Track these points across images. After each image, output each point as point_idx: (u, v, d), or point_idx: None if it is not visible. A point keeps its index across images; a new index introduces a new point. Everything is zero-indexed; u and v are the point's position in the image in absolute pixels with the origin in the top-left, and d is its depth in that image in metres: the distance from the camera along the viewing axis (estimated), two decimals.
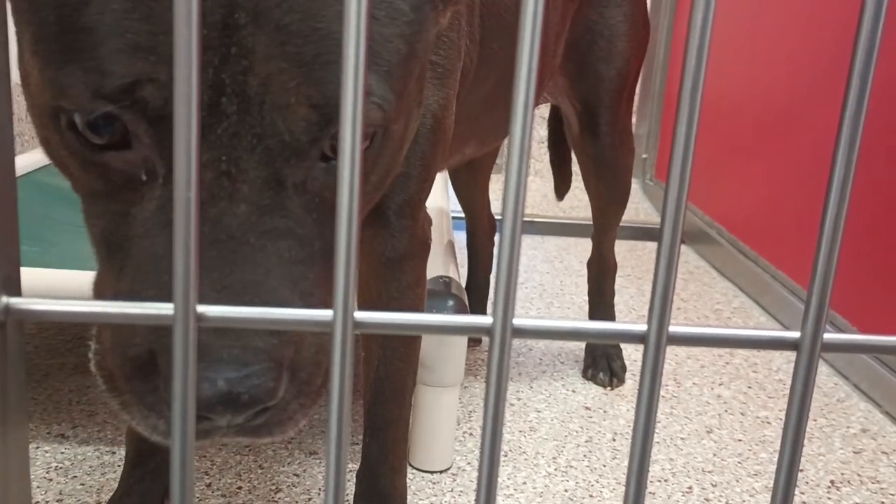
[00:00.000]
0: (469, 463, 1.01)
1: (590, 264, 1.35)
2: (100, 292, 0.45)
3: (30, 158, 1.27)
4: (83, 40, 0.39)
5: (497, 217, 1.48)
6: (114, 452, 0.97)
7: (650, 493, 0.99)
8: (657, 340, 0.27)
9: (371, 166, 0.47)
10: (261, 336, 0.39)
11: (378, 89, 0.43)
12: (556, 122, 1.33)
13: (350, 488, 0.82)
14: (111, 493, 0.83)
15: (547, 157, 1.40)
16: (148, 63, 0.38)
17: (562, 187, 1.39)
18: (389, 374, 0.77)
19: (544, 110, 1.38)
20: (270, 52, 0.39)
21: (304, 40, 0.39)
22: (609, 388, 1.26)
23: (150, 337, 0.40)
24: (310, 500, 0.91)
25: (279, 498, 0.91)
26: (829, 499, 1.00)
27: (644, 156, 2.50)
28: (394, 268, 0.73)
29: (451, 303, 0.94)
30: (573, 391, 1.24)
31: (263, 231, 0.41)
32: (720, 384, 1.30)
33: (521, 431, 1.10)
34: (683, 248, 2.04)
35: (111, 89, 0.38)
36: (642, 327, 0.27)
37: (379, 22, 0.44)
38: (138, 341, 0.40)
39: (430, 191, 0.74)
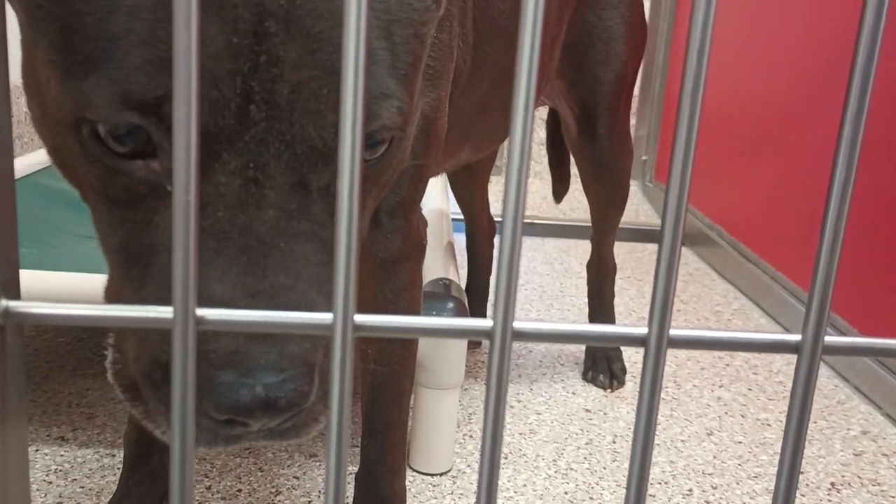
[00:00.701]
0: (469, 465, 1.01)
1: (589, 266, 1.35)
2: (118, 301, 0.45)
3: (29, 161, 1.27)
4: (109, 50, 0.38)
5: (496, 219, 1.48)
6: (113, 455, 0.97)
7: (650, 495, 0.98)
8: (658, 344, 0.27)
9: (386, 168, 0.47)
10: (293, 340, 0.40)
11: (398, 92, 0.43)
12: (553, 124, 1.33)
13: (350, 491, 0.82)
14: (110, 496, 0.83)
15: (546, 159, 1.40)
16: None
17: (560, 189, 1.39)
18: (387, 376, 0.77)
19: (543, 112, 1.38)
20: (301, 60, 0.39)
21: (333, 48, 0.39)
22: (609, 390, 1.26)
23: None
24: (309, 502, 0.91)
25: (279, 500, 0.90)
26: (829, 501, 1.00)
27: (644, 158, 2.50)
28: (388, 269, 0.73)
29: (451, 305, 0.94)
30: (573, 393, 1.24)
31: (291, 235, 0.41)
32: (720, 386, 1.30)
33: (521, 434, 1.10)
34: (684, 249, 2.03)
35: (138, 102, 0.38)
36: (643, 330, 0.27)
37: (400, 24, 0.44)
38: (168, 349, 0.40)
39: (423, 192, 0.74)
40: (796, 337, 0.27)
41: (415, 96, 0.47)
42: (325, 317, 0.26)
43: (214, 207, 0.40)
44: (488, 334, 0.26)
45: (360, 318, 0.26)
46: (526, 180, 0.25)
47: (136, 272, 0.43)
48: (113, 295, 0.46)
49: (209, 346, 0.39)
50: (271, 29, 0.38)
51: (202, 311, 0.26)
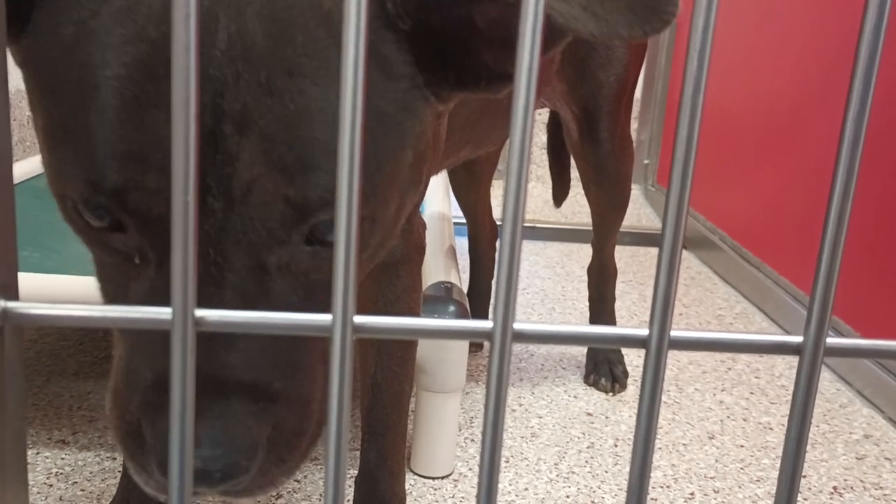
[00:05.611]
0: (470, 469, 1.01)
1: (590, 270, 1.35)
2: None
3: (29, 165, 1.27)
4: (82, 139, 0.41)
5: (499, 223, 1.48)
6: (114, 458, 0.96)
7: (652, 499, 0.98)
8: (658, 345, 0.27)
9: (362, 245, 0.47)
10: (239, 418, 0.41)
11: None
12: (555, 127, 1.33)
13: (349, 494, 0.82)
14: (111, 499, 0.82)
15: (548, 163, 1.40)
16: (137, 171, 0.41)
17: (560, 193, 1.39)
18: (386, 379, 0.77)
19: (544, 115, 1.38)
20: (254, 159, 0.41)
21: (287, 148, 0.41)
22: (611, 393, 1.25)
23: (141, 408, 0.43)
24: None
25: (279, 503, 0.90)
26: None
27: (646, 161, 2.50)
28: (389, 272, 0.73)
29: (452, 308, 0.94)
30: (575, 397, 1.24)
31: None
32: (722, 390, 1.29)
33: (522, 437, 1.10)
34: (685, 253, 2.04)
35: (104, 190, 0.41)
36: (644, 332, 0.27)
37: (371, 132, 0.43)
38: (133, 409, 0.43)
39: (423, 195, 0.74)
40: (798, 338, 0.27)
41: (393, 185, 0.47)
42: (324, 318, 0.26)
43: None
44: (488, 335, 0.26)
45: (359, 320, 0.26)
46: (526, 183, 0.25)
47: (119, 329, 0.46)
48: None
49: (157, 416, 0.42)
50: (227, 131, 0.40)
51: (201, 312, 0.26)
